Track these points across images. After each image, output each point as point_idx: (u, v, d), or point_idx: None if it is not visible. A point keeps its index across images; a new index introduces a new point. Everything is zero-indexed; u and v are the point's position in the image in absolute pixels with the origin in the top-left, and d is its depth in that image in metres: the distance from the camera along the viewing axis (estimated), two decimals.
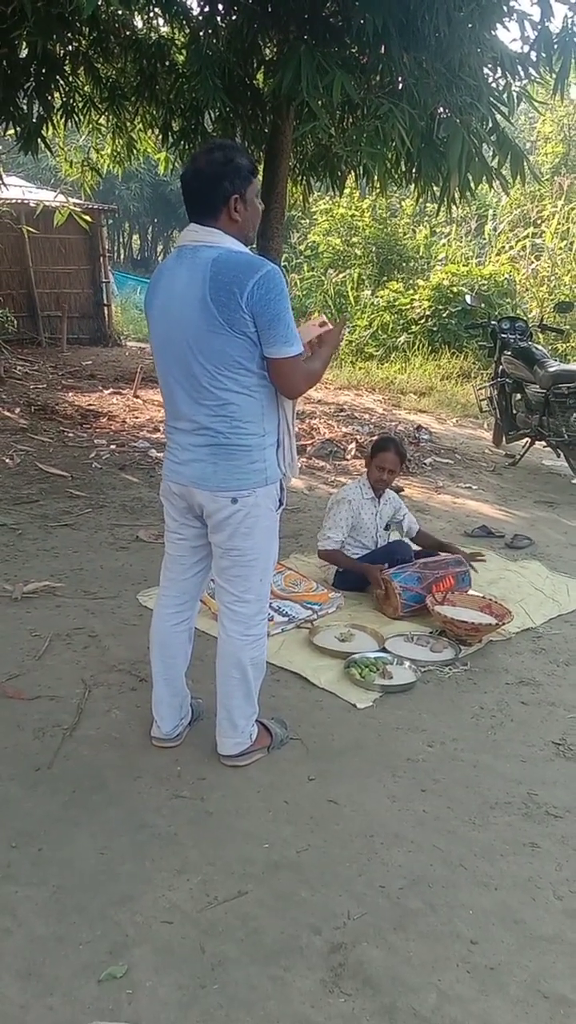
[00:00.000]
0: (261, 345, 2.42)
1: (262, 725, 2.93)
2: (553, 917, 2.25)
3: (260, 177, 2.66)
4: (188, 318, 2.43)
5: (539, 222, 14.84)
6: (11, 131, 7.83)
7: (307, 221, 17.69)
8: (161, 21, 7.83)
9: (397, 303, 13.99)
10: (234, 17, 6.94)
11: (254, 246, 2.70)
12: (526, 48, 6.32)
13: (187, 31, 7.33)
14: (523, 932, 2.19)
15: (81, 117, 8.46)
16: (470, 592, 4.22)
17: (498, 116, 6.60)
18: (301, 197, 9.39)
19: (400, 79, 6.37)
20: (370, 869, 2.39)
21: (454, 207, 7.59)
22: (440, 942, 2.14)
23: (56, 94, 7.81)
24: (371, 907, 2.24)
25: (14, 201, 12.88)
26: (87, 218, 11.22)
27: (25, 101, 7.45)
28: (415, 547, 4.59)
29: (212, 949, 2.07)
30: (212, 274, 2.37)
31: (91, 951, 2.05)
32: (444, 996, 1.98)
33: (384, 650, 3.74)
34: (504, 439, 8.32)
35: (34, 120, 7.54)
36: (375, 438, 4.80)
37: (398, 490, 6.01)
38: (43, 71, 7.23)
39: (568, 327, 12.22)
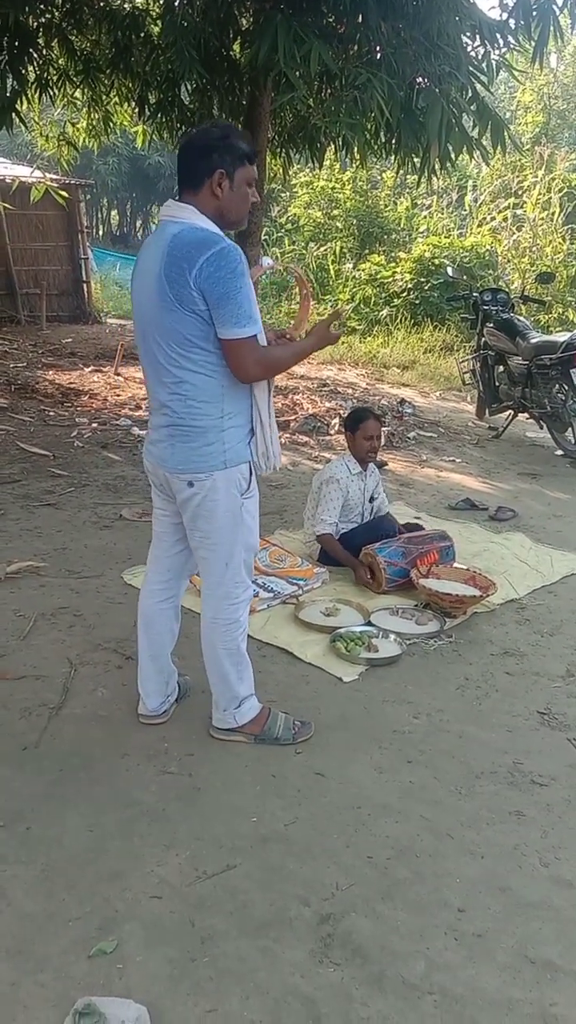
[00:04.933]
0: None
1: (265, 717, 2.86)
2: (539, 884, 2.28)
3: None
4: (149, 294, 2.41)
5: (520, 193, 14.75)
6: None
7: (287, 194, 17.52)
8: None
9: (379, 276, 13.92)
10: None
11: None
12: (505, 16, 6.25)
13: (161, 1, 7.21)
14: (510, 899, 2.22)
15: (56, 90, 8.32)
16: (454, 565, 4.23)
17: (477, 85, 6.54)
18: (280, 170, 9.30)
19: (378, 48, 6.30)
20: (357, 840, 2.41)
21: (435, 178, 7.54)
22: (428, 911, 2.16)
23: (30, 67, 7.68)
24: (359, 878, 2.26)
25: None
26: (64, 194, 11.05)
27: None
28: (400, 521, 4.59)
29: (201, 923, 2.08)
30: (168, 250, 2.34)
31: (81, 927, 2.06)
32: (432, 964, 2.00)
33: (369, 624, 3.75)
34: (487, 412, 8.31)
35: (8, 94, 7.40)
36: (347, 413, 4.76)
37: (382, 465, 6.01)
38: (16, 44, 7.10)
39: (550, 298, 12.20)
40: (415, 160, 7.13)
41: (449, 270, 10.16)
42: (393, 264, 14.02)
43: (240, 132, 2.50)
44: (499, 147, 6.78)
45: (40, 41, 7.46)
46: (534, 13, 6.05)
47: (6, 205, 12.56)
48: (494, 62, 6.74)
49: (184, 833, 2.40)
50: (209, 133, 2.41)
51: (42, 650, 3.42)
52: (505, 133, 6.66)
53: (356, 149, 7.40)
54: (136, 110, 8.42)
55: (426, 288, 13.13)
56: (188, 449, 2.50)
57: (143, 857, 2.30)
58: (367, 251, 15.11)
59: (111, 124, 9.16)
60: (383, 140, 7.41)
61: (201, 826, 2.44)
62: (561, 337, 6.95)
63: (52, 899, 2.15)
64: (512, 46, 6.65)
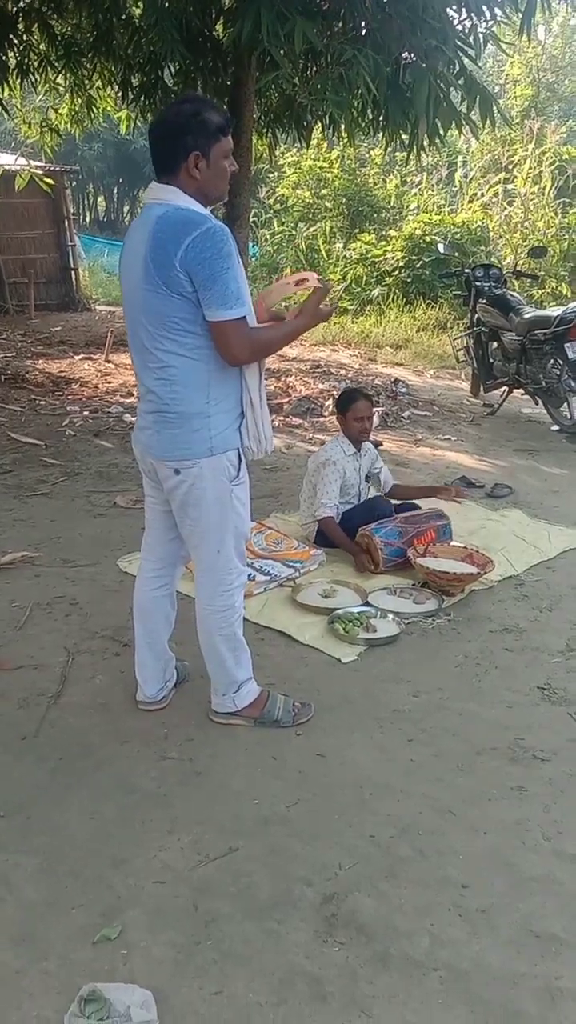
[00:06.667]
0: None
1: (264, 700, 2.86)
2: (542, 858, 2.28)
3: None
4: (135, 277, 2.38)
5: (510, 167, 14.63)
6: None
7: (275, 174, 17.37)
8: None
9: (370, 255, 13.83)
10: None
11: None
12: None
13: None
14: (513, 874, 2.21)
15: (37, 76, 8.25)
16: (451, 543, 4.22)
17: (465, 59, 6.45)
18: (267, 150, 9.22)
19: (363, 24, 6.23)
20: (360, 820, 2.40)
21: (424, 154, 7.46)
22: (431, 888, 2.16)
23: (10, 53, 7.60)
24: (362, 857, 2.26)
25: None
26: (49, 181, 10.98)
27: None
28: (395, 501, 4.57)
29: (205, 906, 2.08)
30: (153, 231, 2.31)
31: (84, 914, 2.05)
32: (437, 940, 2.00)
33: (367, 604, 3.74)
34: (482, 389, 8.29)
35: None
36: (337, 396, 4.73)
37: (377, 444, 5.99)
38: None
39: (543, 273, 12.13)
40: (403, 137, 7.06)
41: (440, 247, 10.09)
42: (384, 243, 13.93)
43: (211, 103, 2.44)
44: (488, 121, 6.72)
45: (20, 26, 7.38)
46: None
47: None
48: (481, 35, 6.66)
49: (186, 818, 2.40)
50: (180, 111, 2.36)
51: (39, 640, 3.41)
52: (494, 107, 6.59)
53: (343, 127, 7.34)
54: (119, 94, 8.35)
55: (418, 266, 13.04)
56: (173, 436, 2.47)
57: (145, 843, 2.30)
58: (357, 230, 14.99)
59: (94, 109, 9.09)
60: (370, 117, 7.34)
61: (203, 810, 2.43)
62: (554, 311, 6.91)
63: (55, 887, 2.14)
64: (499, 18, 6.58)
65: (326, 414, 7.52)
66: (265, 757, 2.69)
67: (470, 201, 14.91)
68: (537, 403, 7.39)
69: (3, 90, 7.78)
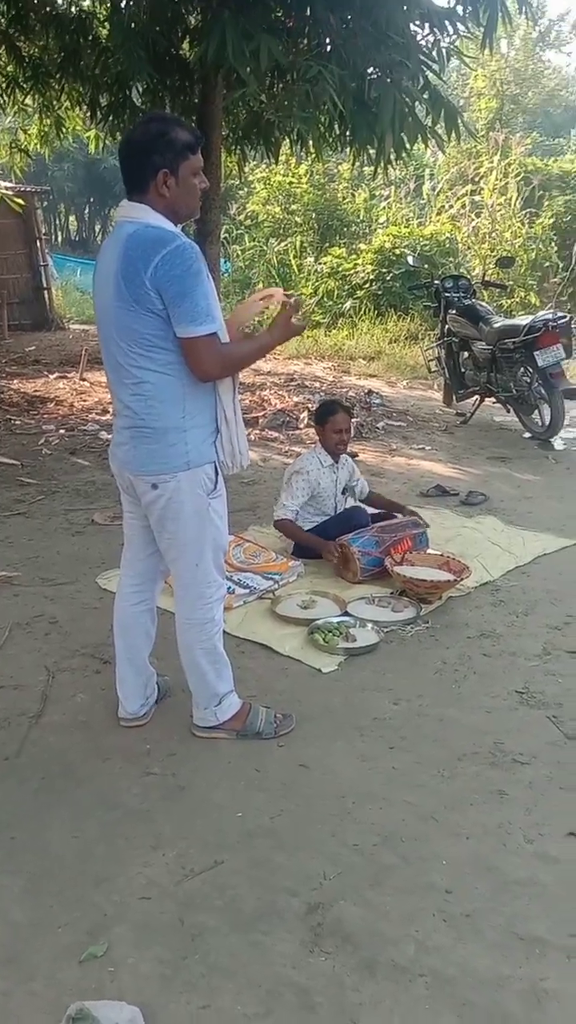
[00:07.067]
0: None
1: (246, 712, 2.86)
2: (525, 861, 2.30)
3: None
4: (108, 295, 2.41)
5: (477, 179, 14.81)
6: None
7: (245, 191, 17.48)
8: None
9: (341, 269, 13.93)
10: None
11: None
12: (452, 2, 6.27)
13: (108, 3, 7.16)
14: (496, 878, 2.23)
15: (5, 97, 8.26)
16: (428, 551, 4.25)
17: (429, 73, 6.54)
18: (236, 167, 9.28)
19: (328, 40, 6.30)
20: (343, 829, 2.42)
21: (391, 168, 7.55)
22: (416, 894, 2.17)
23: None
24: (346, 866, 2.27)
25: None
26: (20, 201, 11.00)
27: None
28: (371, 510, 4.60)
29: (191, 921, 2.08)
30: (124, 250, 2.34)
31: (70, 933, 2.05)
32: (422, 946, 2.01)
33: (346, 614, 3.76)
34: (454, 398, 8.36)
35: None
36: (316, 406, 4.77)
37: (353, 455, 6.02)
38: None
39: (511, 282, 12.27)
40: (370, 151, 7.13)
41: (410, 259, 10.20)
42: (354, 256, 14.03)
43: (179, 121, 2.47)
44: (453, 134, 6.80)
45: None
46: None
47: None
48: (444, 50, 6.75)
49: (170, 833, 2.40)
50: (147, 131, 2.39)
51: (19, 659, 3.40)
52: (459, 120, 6.68)
53: (311, 143, 7.41)
54: (88, 114, 8.36)
55: (388, 278, 13.15)
56: (150, 450, 2.49)
57: (129, 859, 2.30)
58: (328, 244, 15.10)
59: (63, 129, 9.11)
60: (337, 132, 7.41)
61: (186, 825, 2.43)
62: (523, 320, 7.00)
63: (40, 907, 2.13)
64: (462, 33, 6.67)
65: (301, 426, 7.55)
66: (248, 769, 2.69)
67: (438, 213, 15.07)
68: (509, 411, 7.46)
69: None
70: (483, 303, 8.29)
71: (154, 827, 2.42)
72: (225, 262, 15.94)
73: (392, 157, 6.91)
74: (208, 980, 1.91)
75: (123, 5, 6.77)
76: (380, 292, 13.22)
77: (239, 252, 16.47)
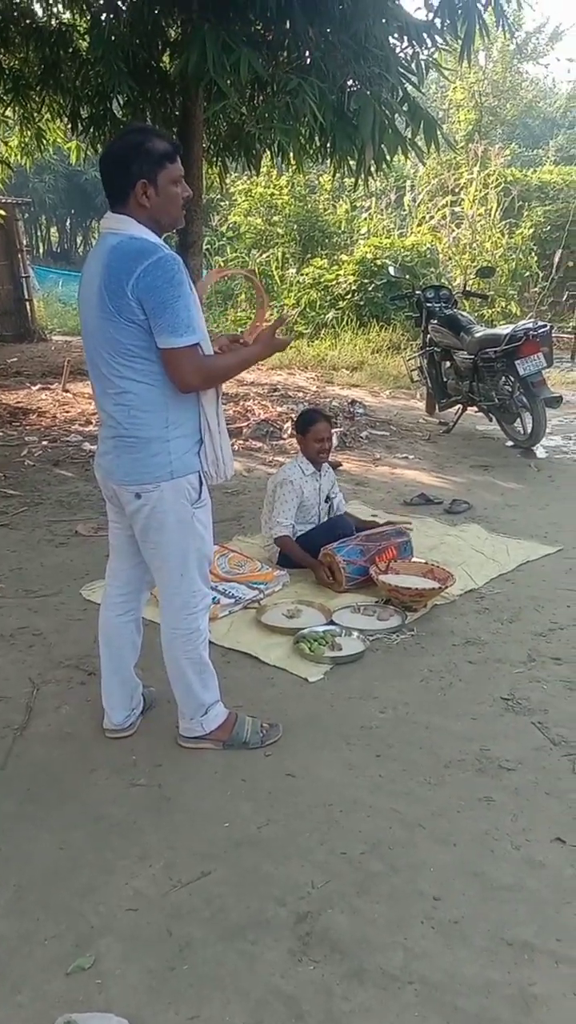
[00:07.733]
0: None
1: (232, 722, 2.85)
2: (512, 866, 2.30)
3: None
4: (92, 306, 2.42)
5: (457, 190, 14.95)
6: None
7: (227, 202, 17.55)
8: (61, 7, 7.68)
9: (323, 279, 14.00)
10: None
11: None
12: (431, 15, 6.34)
13: (88, 16, 7.20)
14: (484, 884, 2.24)
15: None
16: (412, 559, 4.27)
17: (408, 86, 6.62)
18: (218, 178, 9.32)
19: (307, 53, 6.35)
20: (331, 837, 2.41)
21: (372, 180, 7.60)
22: (403, 901, 2.17)
23: None
24: (334, 874, 2.27)
25: None
26: (1, 213, 10.98)
27: None
28: (359, 516, 4.61)
29: (179, 931, 2.08)
30: (107, 261, 2.35)
31: (57, 945, 2.04)
32: (411, 953, 2.01)
33: (332, 623, 3.76)
34: (437, 407, 8.40)
35: None
36: (297, 416, 4.79)
37: (336, 465, 6.04)
38: None
39: (492, 292, 12.37)
40: (351, 163, 7.19)
41: (391, 270, 10.24)
42: (336, 267, 14.11)
43: (157, 131, 2.49)
44: (433, 146, 6.86)
45: None
46: (459, 12, 6.15)
47: None
48: (423, 62, 6.83)
49: (157, 843, 2.39)
50: (125, 142, 2.41)
51: (3, 671, 3.38)
52: (438, 132, 6.75)
53: (292, 154, 7.45)
54: (69, 126, 8.39)
55: (370, 289, 13.23)
56: (133, 460, 2.49)
57: (116, 870, 2.29)
58: (309, 255, 15.18)
59: (44, 141, 9.13)
60: (318, 144, 7.47)
61: (173, 835, 2.43)
62: (504, 330, 7.03)
63: (26, 919, 2.12)
64: (440, 45, 6.75)
65: (285, 436, 7.56)
66: (235, 779, 2.69)
67: (419, 224, 15.18)
68: (491, 420, 7.50)
69: None
70: (464, 313, 8.33)
71: (141, 838, 2.41)
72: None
73: (372, 168, 6.99)
74: (196, 990, 1.91)
75: (103, 18, 6.81)
76: (362, 302, 13.29)
77: (221, 263, 16.50)
